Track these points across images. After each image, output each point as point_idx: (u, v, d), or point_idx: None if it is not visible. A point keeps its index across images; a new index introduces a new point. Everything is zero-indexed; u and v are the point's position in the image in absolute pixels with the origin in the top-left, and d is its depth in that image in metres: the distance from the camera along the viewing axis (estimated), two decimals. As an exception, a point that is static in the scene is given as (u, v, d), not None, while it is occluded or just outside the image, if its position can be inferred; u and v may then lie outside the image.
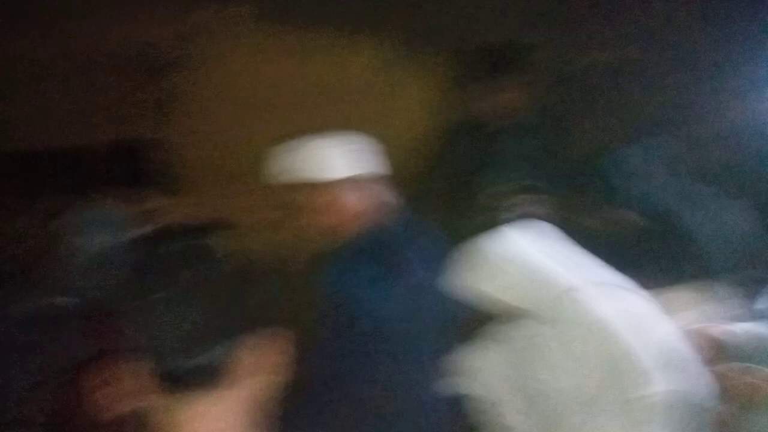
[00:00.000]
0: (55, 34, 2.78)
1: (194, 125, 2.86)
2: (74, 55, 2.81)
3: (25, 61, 2.79)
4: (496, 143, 2.35)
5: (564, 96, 2.67)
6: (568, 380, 1.41)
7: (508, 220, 1.64)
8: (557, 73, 2.72)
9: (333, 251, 1.68)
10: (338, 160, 1.67)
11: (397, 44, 2.93)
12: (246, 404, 0.73)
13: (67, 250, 2.22)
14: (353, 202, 1.69)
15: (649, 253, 1.70)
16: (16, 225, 2.19)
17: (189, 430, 0.70)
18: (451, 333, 1.66)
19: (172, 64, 2.85)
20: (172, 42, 2.82)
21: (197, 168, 2.71)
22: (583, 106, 2.71)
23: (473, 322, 1.60)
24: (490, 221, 1.67)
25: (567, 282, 1.44)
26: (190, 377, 0.69)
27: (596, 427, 1.38)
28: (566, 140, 2.45)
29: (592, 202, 1.89)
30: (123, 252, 1.84)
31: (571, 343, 1.39)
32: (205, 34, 2.83)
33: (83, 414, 1.50)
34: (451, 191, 2.29)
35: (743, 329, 1.55)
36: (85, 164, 2.30)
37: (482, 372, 1.60)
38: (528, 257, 1.50)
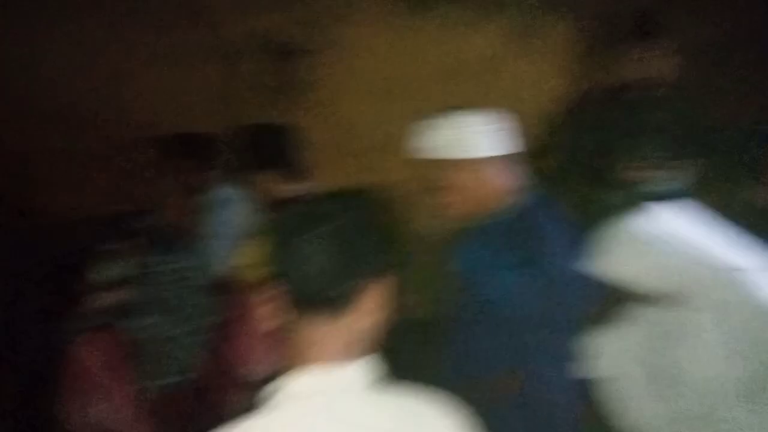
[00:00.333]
0: (191, 24, 2.96)
1: (327, 107, 2.94)
2: (210, 43, 2.99)
3: (164, 51, 3.01)
4: (636, 114, 2.19)
5: (708, 65, 2.45)
6: (724, 369, 1.31)
7: (650, 197, 1.55)
8: (697, 43, 2.51)
9: (469, 230, 1.66)
10: (478, 138, 1.63)
11: (530, 12, 2.82)
12: (362, 333, 0.90)
13: (206, 222, 2.40)
14: (492, 180, 1.66)
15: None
16: (168, 199, 2.39)
17: (313, 345, 0.88)
18: (587, 316, 1.60)
19: (303, 48, 2.93)
20: (303, 26, 2.90)
21: (331, 150, 2.78)
22: (725, 76, 2.48)
23: (609, 304, 1.53)
24: (630, 198, 1.58)
25: (726, 263, 1.33)
26: (321, 304, 0.87)
27: (756, 422, 1.27)
28: (710, 112, 2.25)
29: (743, 177, 1.73)
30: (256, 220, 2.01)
31: (731, 330, 1.28)
32: (335, 16, 2.88)
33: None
34: (588, 166, 2.17)
35: None
36: (222, 147, 2.44)
37: (616, 356, 1.53)
38: (677, 237, 1.39)
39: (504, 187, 1.66)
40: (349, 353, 0.88)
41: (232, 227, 2.37)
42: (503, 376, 1.62)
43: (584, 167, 2.20)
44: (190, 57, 3.02)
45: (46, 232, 2.70)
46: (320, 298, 0.86)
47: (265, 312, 0.94)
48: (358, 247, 0.88)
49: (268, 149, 2.20)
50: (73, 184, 2.97)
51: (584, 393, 1.62)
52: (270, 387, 0.88)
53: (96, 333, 1.94)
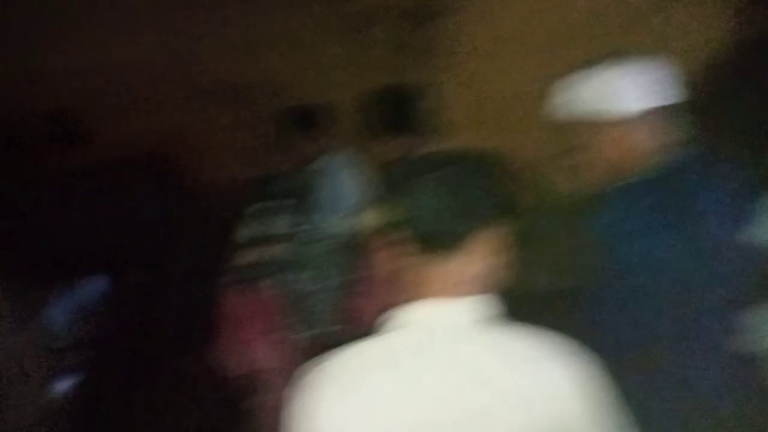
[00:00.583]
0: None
1: (463, 69, 2.89)
2: (347, 10, 3.03)
3: (302, 18, 3.10)
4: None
5: None
6: None
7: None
8: None
9: (610, 191, 1.57)
10: (627, 92, 1.50)
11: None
12: (474, 274, 0.94)
13: (332, 187, 2.49)
14: (640, 138, 1.53)
15: None
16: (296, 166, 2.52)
17: (426, 282, 0.93)
18: (746, 287, 1.45)
19: (439, 10, 2.89)
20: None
21: (466, 112, 2.74)
22: None
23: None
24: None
25: None
26: (435, 243, 0.92)
27: None
28: None
29: None
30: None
31: None
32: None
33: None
34: (754, 121, 1.95)
35: None
36: (340, 117, 2.50)
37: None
38: None
39: (653, 145, 1.53)
40: (462, 292, 0.93)
41: (355, 191, 2.45)
42: (643, 350, 1.53)
43: (750, 122, 1.97)
44: (328, 25, 3.09)
45: (203, 194, 2.96)
46: (434, 237, 0.92)
47: (387, 255, 0.98)
48: (472, 192, 0.93)
49: (398, 112, 2.21)
50: (223, 151, 3.20)
51: (739, 371, 1.50)
52: (383, 318, 0.95)
53: (248, 286, 2.13)
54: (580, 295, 1.64)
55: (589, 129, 1.55)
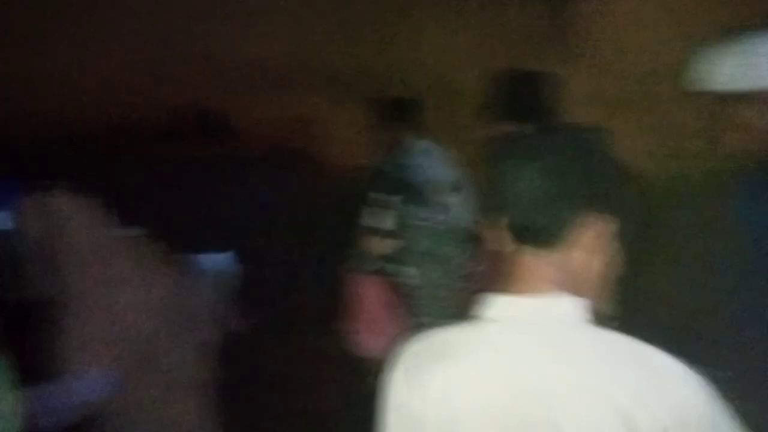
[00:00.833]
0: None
1: (597, 50, 2.72)
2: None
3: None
4: None
5: None
6: None
7: None
8: None
9: (753, 172, 1.42)
10: None
11: None
12: (576, 270, 0.86)
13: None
14: None
15: None
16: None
17: (523, 275, 0.87)
18: None
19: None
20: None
21: (600, 96, 2.57)
22: None
23: None
24: None
25: None
26: (534, 234, 0.86)
27: None
28: None
29: None
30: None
31: None
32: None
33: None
34: None
35: None
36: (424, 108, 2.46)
37: None
38: None
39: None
40: (561, 288, 0.86)
41: (458, 181, 2.42)
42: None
43: None
44: (459, 9, 3.05)
45: (332, 180, 3.10)
46: (530, 227, 0.86)
47: (488, 245, 0.95)
48: (575, 179, 0.85)
49: (522, 98, 2.12)
50: (345, 140, 3.30)
51: None
52: (476, 307, 0.90)
53: (371, 275, 2.23)
54: (710, 296, 1.50)
55: (734, 104, 1.40)
